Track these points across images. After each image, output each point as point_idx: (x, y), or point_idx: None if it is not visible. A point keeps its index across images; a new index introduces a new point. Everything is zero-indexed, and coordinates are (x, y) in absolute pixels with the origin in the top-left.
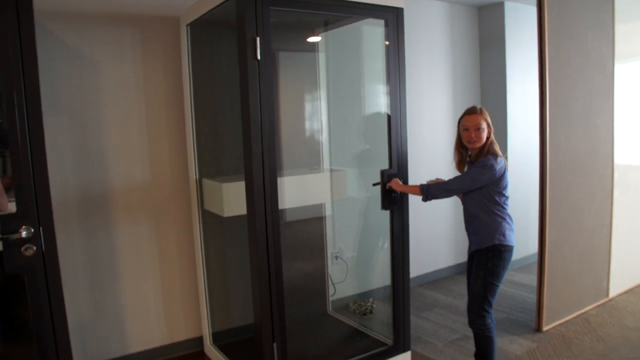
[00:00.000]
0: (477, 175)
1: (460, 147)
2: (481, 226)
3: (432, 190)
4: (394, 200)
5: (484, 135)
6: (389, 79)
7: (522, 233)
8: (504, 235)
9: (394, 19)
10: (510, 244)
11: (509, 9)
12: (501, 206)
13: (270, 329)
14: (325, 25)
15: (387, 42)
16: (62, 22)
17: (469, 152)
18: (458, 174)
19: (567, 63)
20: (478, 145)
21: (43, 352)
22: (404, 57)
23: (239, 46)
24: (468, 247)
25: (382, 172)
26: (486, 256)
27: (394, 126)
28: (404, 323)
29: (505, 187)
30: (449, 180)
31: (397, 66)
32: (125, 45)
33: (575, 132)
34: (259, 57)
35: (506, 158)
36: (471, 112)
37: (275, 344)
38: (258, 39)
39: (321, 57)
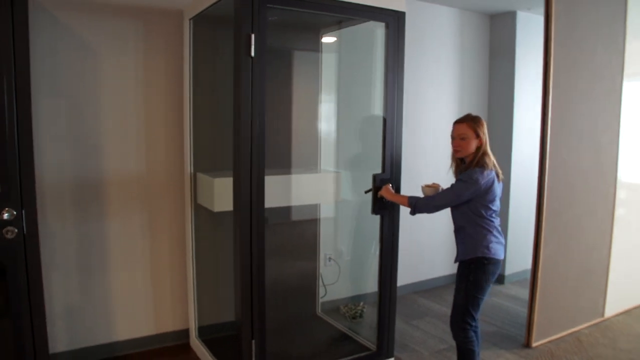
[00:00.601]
0: (461, 191)
1: (452, 156)
2: (466, 237)
3: (420, 205)
4: (384, 206)
5: (471, 145)
6: (387, 82)
7: (523, 245)
8: (488, 248)
9: (394, 23)
10: (495, 257)
11: (521, 18)
12: (487, 219)
13: (250, 326)
14: (329, 26)
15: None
16: (68, 10)
17: (464, 161)
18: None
19: (574, 76)
20: (462, 155)
21: (19, 332)
22: (402, 61)
23: (234, 42)
24: (455, 257)
25: (374, 177)
26: (469, 268)
27: (389, 130)
28: (389, 329)
29: (492, 201)
30: (435, 195)
31: (395, 70)
32: (128, 37)
33: (578, 146)
34: (252, 54)
35: (500, 170)
36: (459, 120)
37: (253, 341)
38: (253, 35)
39: (324, 57)
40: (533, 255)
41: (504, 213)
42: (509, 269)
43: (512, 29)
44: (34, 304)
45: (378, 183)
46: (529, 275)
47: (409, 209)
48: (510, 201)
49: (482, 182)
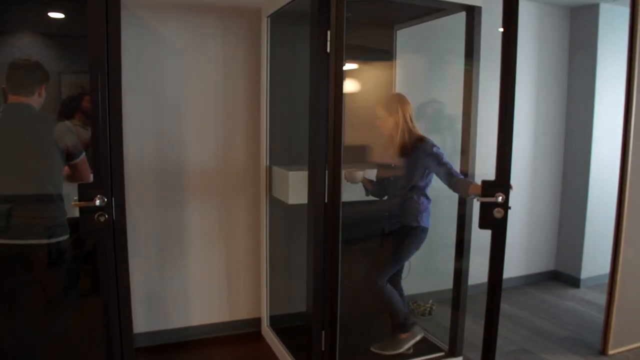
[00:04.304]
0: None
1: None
2: (410, 206)
3: None
4: (494, 220)
5: (387, 123)
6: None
7: (602, 248)
8: (423, 216)
9: (470, 18)
10: (428, 225)
11: (604, 11)
12: (425, 188)
13: (321, 317)
14: (404, 22)
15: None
16: (151, 10)
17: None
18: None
19: None
20: (386, 132)
21: (107, 311)
22: (515, 55)
23: (310, 39)
24: (386, 225)
25: (483, 183)
26: (408, 234)
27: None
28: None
29: None
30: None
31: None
32: (208, 35)
33: None
34: (328, 50)
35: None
36: (377, 102)
37: (324, 332)
38: (329, 32)
39: (399, 53)
40: (612, 258)
41: (581, 214)
42: (585, 273)
43: (594, 23)
44: (120, 285)
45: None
46: (606, 280)
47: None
48: (588, 202)
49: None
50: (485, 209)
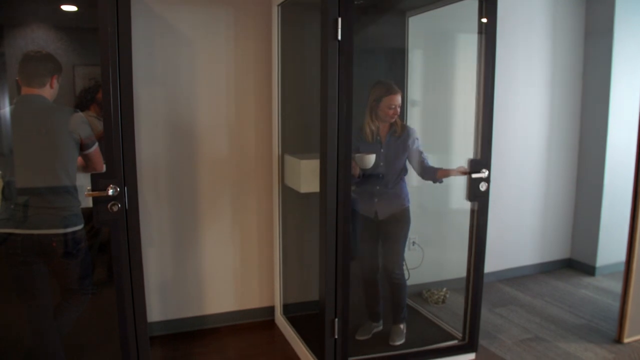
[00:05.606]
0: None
1: (372, 122)
2: (401, 189)
3: None
4: (480, 192)
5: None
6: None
7: (619, 237)
8: (409, 196)
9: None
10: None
11: None
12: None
13: (333, 304)
14: (416, 9)
15: (484, 20)
16: (161, 1)
17: (377, 125)
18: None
19: None
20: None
21: (120, 299)
22: (494, 43)
23: (321, 26)
24: (380, 211)
25: (470, 162)
26: (406, 216)
27: (483, 116)
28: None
29: None
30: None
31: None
32: (219, 24)
33: None
34: (339, 37)
35: None
36: (396, 91)
37: (337, 320)
38: (340, 19)
39: (410, 41)
40: (628, 246)
41: (597, 201)
42: (601, 261)
43: (610, 8)
44: (134, 274)
45: (473, 169)
46: (622, 268)
47: (508, 193)
48: (604, 189)
49: None
50: (473, 183)
